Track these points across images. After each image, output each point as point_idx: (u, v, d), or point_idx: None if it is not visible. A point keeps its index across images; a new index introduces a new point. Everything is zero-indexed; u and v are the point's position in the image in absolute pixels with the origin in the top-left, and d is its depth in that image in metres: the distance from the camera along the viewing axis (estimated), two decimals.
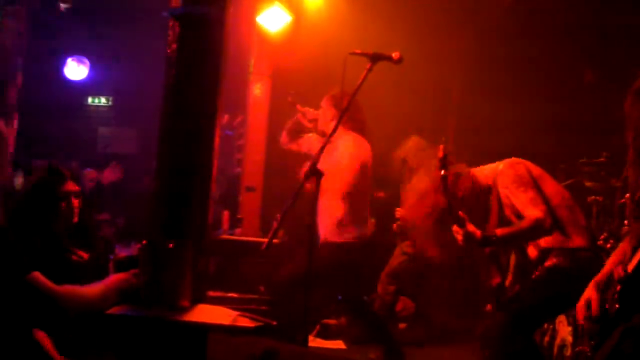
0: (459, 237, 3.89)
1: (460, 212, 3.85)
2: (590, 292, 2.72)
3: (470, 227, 3.86)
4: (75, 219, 3.48)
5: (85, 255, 3.39)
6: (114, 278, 2.86)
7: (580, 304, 2.73)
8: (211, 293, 3.39)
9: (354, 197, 5.11)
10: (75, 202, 3.47)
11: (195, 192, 3.17)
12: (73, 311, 2.68)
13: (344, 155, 5.09)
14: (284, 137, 5.63)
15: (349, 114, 4.85)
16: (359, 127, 5.21)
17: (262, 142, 7.27)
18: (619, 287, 2.53)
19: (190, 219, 3.15)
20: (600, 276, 2.76)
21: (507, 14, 7.53)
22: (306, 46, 7.33)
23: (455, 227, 3.90)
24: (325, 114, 5.28)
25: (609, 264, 2.78)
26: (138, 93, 8.56)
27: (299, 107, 5.46)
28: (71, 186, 3.47)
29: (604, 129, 5.08)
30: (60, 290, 2.65)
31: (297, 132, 5.54)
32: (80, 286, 2.75)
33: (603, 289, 2.70)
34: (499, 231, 3.86)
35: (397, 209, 6.16)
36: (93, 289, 2.75)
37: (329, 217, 5.07)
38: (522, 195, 3.86)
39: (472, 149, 5.56)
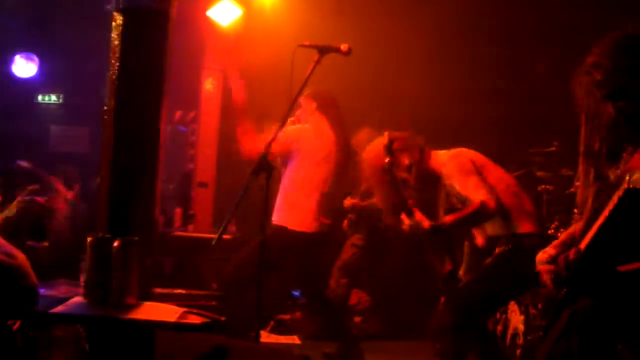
0: (405, 227, 3.96)
1: (410, 201, 3.93)
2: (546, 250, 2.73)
3: (418, 217, 3.92)
4: None
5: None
6: None
7: (540, 258, 2.72)
8: (158, 290, 3.34)
9: (324, 187, 5.12)
10: None
11: (140, 189, 3.13)
12: None
13: (314, 143, 5.10)
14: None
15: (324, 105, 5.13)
16: (331, 115, 5.24)
17: (214, 137, 7.20)
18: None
19: (136, 216, 3.11)
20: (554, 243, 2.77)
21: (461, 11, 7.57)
22: (258, 40, 7.28)
23: (403, 216, 3.96)
24: (305, 109, 5.27)
25: (563, 235, 2.81)
26: (90, 90, 8.41)
27: None
28: None
29: (556, 120, 5.13)
30: None
31: None
32: None
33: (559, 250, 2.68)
34: (447, 219, 3.95)
35: (345, 200, 6.23)
36: None
37: (297, 205, 5.06)
38: (464, 183, 3.98)
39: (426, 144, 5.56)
